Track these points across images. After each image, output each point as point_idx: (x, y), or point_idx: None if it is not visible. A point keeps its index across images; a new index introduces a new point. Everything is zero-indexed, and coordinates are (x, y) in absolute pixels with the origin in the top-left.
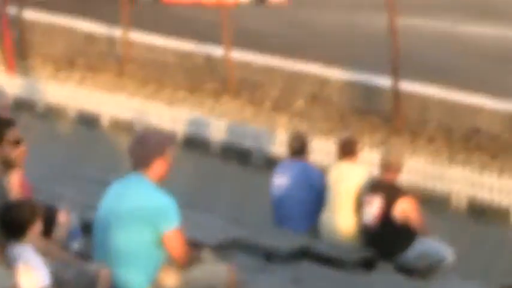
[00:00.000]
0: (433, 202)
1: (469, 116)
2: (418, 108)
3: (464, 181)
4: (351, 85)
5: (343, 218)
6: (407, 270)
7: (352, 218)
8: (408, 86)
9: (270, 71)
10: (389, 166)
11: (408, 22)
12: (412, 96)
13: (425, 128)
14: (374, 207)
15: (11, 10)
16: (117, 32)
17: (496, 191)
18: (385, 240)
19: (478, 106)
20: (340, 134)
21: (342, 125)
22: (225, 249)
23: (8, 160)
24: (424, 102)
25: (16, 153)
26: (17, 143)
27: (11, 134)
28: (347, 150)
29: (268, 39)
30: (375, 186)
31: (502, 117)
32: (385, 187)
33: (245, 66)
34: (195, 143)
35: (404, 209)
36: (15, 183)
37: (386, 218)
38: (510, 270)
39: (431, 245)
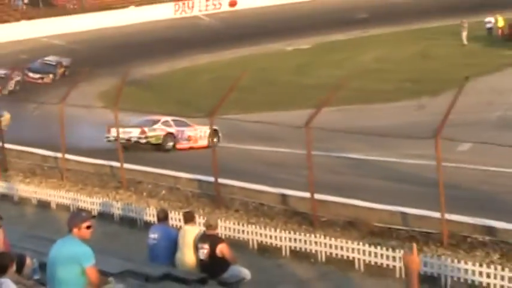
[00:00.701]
0: (236, 245)
1: (255, 194)
2: (228, 193)
3: (256, 234)
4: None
5: (188, 256)
6: (225, 284)
7: (193, 256)
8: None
9: (144, 173)
10: (210, 226)
11: None
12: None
13: (233, 204)
14: (205, 250)
15: None
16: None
17: (272, 238)
18: (212, 268)
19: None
20: (185, 210)
21: (187, 204)
22: (122, 276)
23: None
24: (232, 192)
25: None
26: None
27: None
28: (189, 218)
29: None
30: (204, 238)
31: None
32: (209, 237)
33: (131, 172)
34: (104, 216)
35: (221, 250)
36: (0, 243)
37: (212, 256)
38: None
39: (238, 269)
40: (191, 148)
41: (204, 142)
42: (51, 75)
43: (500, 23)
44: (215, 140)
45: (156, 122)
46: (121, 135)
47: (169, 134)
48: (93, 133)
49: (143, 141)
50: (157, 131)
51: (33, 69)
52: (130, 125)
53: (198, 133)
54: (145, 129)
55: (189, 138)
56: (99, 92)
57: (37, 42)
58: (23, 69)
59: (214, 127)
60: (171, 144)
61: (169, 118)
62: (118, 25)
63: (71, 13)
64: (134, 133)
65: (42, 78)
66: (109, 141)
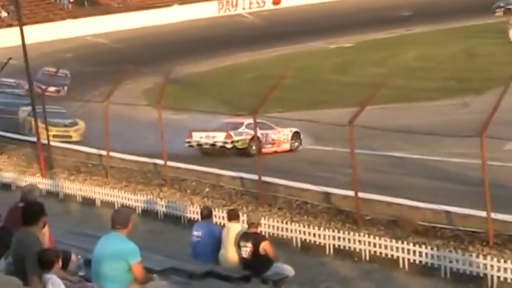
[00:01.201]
0: (280, 243)
1: (299, 192)
2: (271, 191)
3: (299, 232)
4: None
5: (232, 253)
6: (268, 282)
7: (237, 253)
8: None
9: (187, 171)
10: (252, 224)
11: None
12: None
13: (277, 202)
14: (248, 249)
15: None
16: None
17: (316, 236)
18: (255, 265)
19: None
20: (229, 208)
21: (230, 202)
22: (165, 273)
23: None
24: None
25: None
26: (44, 225)
27: (43, 218)
28: (233, 216)
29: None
30: (246, 236)
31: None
32: (252, 235)
33: (175, 169)
34: (148, 213)
35: (264, 248)
36: (46, 239)
37: (255, 254)
38: None
39: (281, 267)
40: (275, 152)
41: (286, 146)
42: (65, 88)
43: None
44: (296, 143)
45: (239, 125)
46: (204, 140)
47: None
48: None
49: (229, 146)
50: (243, 135)
51: (42, 81)
52: (212, 128)
53: (281, 136)
54: (231, 133)
55: (273, 142)
56: (143, 90)
57: (82, 41)
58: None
59: (296, 129)
60: (254, 148)
61: (251, 120)
62: (161, 23)
63: (115, 12)
64: (219, 137)
65: (58, 91)
66: (190, 146)
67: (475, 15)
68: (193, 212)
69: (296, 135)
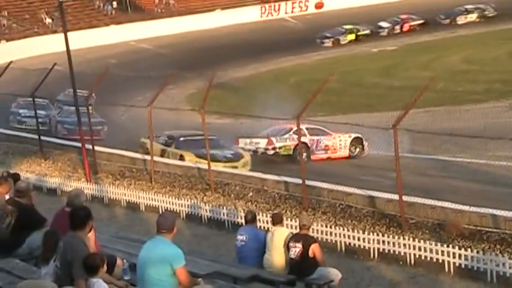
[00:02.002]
0: (324, 247)
1: (343, 196)
2: (315, 195)
3: (344, 236)
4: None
5: (276, 257)
6: (312, 286)
7: (281, 257)
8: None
9: (231, 175)
10: (304, 225)
11: None
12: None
13: (321, 206)
14: (297, 249)
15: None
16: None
17: (360, 240)
18: (302, 267)
19: (349, 191)
20: (273, 211)
21: (274, 206)
22: (210, 277)
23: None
24: (319, 193)
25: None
26: (90, 229)
27: (90, 223)
28: (278, 220)
29: None
30: (297, 237)
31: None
32: (302, 237)
33: (218, 174)
34: (192, 218)
35: (314, 250)
36: (92, 243)
37: (304, 255)
38: None
39: (326, 271)
40: (329, 159)
41: (344, 152)
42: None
43: None
44: (358, 149)
45: (287, 131)
46: (248, 146)
47: (302, 144)
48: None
49: (271, 152)
50: (287, 141)
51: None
52: (259, 135)
53: (337, 142)
54: (273, 139)
55: (326, 148)
56: (186, 95)
57: (125, 47)
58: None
59: (358, 135)
60: (304, 155)
61: (303, 126)
62: (204, 28)
63: (158, 17)
64: (261, 144)
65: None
66: None
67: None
68: (237, 216)
69: (357, 141)
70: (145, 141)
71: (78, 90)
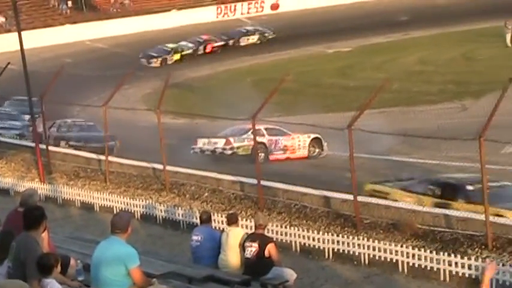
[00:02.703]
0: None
1: (298, 196)
2: (270, 195)
3: (299, 236)
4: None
5: (231, 257)
6: (267, 286)
7: (237, 257)
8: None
9: (187, 175)
10: (260, 225)
11: None
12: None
13: (276, 206)
14: (253, 249)
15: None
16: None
17: (315, 240)
18: (257, 267)
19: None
20: (228, 212)
21: (230, 206)
22: (164, 277)
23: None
24: (275, 194)
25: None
26: (44, 229)
27: (44, 223)
28: (233, 220)
29: None
30: (253, 236)
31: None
32: (258, 236)
33: (174, 174)
34: (147, 218)
35: (270, 250)
36: (45, 244)
37: (260, 255)
38: None
39: (281, 270)
40: (288, 159)
41: (303, 152)
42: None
43: None
44: (317, 150)
45: (246, 131)
46: (206, 146)
47: (260, 144)
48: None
49: (228, 152)
50: (246, 141)
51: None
52: (217, 135)
53: (296, 142)
54: (231, 139)
55: (284, 148)
56: (142, 95)
57: (81, 46)
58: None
59: (317, 135)
60: (262, 155)
61: (262, 126)
62: (160, 28)
63: (114, 17)
64: (219, 144)
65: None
66: (195, 152)
67: (472, 20)
68: (192, 216)
69: (316, 142)
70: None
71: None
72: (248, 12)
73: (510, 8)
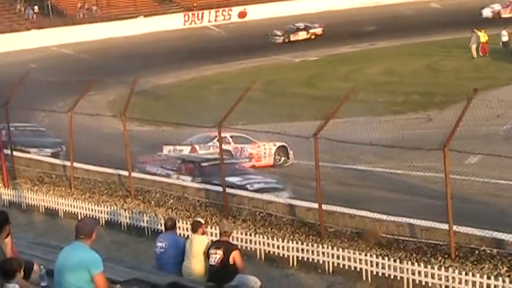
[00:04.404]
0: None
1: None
2: (235, 202)
3: (263, 244)
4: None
5: (196, 265)
6: None
7: (201, 265)
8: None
9: (152, 182)
10: (225, 232)
11: None
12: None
13: (241, 214)
14: (218, 256)
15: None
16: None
17: (280, 248)
18: (221, 274)
19: (269, 199)
20: (193, 219)
21: (195, 213)
22: (128, 284)
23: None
24: (240, 201)
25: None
26: (7, 234)
27: (7, 228)
28: (197, 227)
29: None
30: (217, 243)
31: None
32: (223, 244)
33: (139, 181)
34: (112, 224)
35: (234, 257)
36: (8, 249)
37: (224, 262)
38: None
39: (245, 278)
40: (253, 167)
41: (269, 160)
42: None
43: (483, 38)
44: (283, 158)
45: (211, 138)
46: (172, 154)
47: (226, 151)
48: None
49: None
50: (211, 149)
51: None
52: (183, 143)
53: (261, 150)
54: (196, 147)
55: (250, 156)
56: (108, 101)
57: (47, 52)
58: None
59: (283, 143)
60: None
61: (228, 134)
62: (127, 35)
63: (80, 23)
64: (185, 151)
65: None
66: None
67: (437, 31)
68: (157, 223)
69: (282, 150)
70: None
71: None
72: (216, 20)
73: (474, 20)
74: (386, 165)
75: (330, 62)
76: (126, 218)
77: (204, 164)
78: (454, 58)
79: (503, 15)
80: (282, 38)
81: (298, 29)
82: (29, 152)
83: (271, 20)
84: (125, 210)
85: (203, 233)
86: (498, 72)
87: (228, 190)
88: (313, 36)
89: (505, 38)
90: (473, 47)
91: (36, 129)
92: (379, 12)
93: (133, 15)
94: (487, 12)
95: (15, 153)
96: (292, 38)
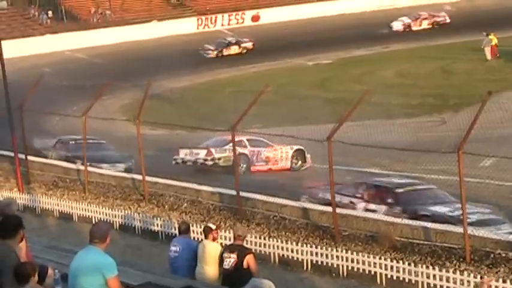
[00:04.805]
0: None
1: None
2: (249, 206)
3: (277, 247)
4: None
5: (208, 270)
6: None
7: (214, 270)
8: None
9: (166, 186)
10: (239, 236)
11: None
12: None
13: (255, 217)
14: (231, 260)
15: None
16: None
17: (294, 252)
18: (235, 278)
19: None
20: (206, 224)
21: (209, 217)
22: (142, 287)
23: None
24: (254, 205)
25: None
26: (22, 239)
27: (21, 232)
28: (209, 232)
29: None
30: (231, 247)
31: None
32: (237, 247)
33: (153, 185)
34: (126, 228)
35: (248, 261)
36: (23, 253)
37: (238, 266)
38: None
39: (260, 281)
40: (270, 170)
41: (286, 164)
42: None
43: (493, 41)
44: (300, 161)
45: (227, 142)
46: (188, 157)
47: (242, 155)
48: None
49: (210, 163)
50: (227, 152)
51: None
52: (199, 146)
53: (278, 154)
54: (212, 150)
55: (266, 160)
56: (121, 105)
57: (60, 56)
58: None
59: (300, 147)
60: (243, 166)
61: (244, 137)
62: (141, 39)
63: (94, 27)
64: (201, 155)
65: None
66: (177, 163)
67: (451, 34)
68: (171, 227)
69: (299, 153)
70: None
71: None
72: (229, 24)
73: (488, 22)
74: (400, 168)
75: (343, 64)
76: (140, 222)
77: (399, 191)
78: (468, 60)
79: (414, 28)
80: (215, 52)
81: (230, 43)
82: (100, 168)
83: (283, 23)
84: (138, 214)
85: (214, 239)
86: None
87: (242, 194)
88: (244, 51)
89: None
90: (487, 49)
91: (97, 142)
92: (393, 15)
93: (146, 19)
94: (397, 25)
95: (29, 157)
96: (225, 52)
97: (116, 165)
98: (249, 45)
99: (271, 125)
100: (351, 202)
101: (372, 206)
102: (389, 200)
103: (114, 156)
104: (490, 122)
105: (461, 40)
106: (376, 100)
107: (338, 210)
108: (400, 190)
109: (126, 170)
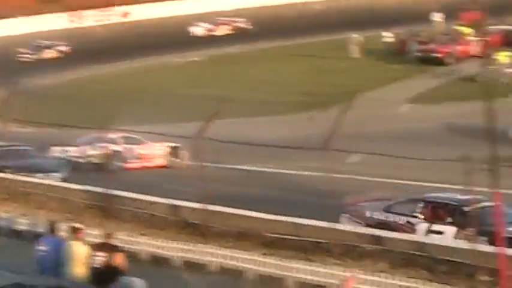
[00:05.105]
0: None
1: (147, 205)
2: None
3: (147, 245)
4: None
5: (76, 270)
6: None
7: (82, 269)
8: None
9: (34, 185)
10: (108, 234)
11: None
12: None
13: (125, 215)
14: (101, 258)
15: None
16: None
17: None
18: (104, 276)
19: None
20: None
21: (78, 215)
22: None
23: None
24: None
25: None
26: None
27: None
28: (75, 232)
29: None
30: (101, 246)
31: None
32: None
33: (21, 183)
34: None
35: (118, 259)
36: None
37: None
38: None
39: (130, 280)
40: (145, 168)
41: (161, 161)
42: None
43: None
44: (177, 159)
45: (100, 139)
46: (59, 155)
47: (115, 152)
48: None
49: (82, 161)
50: (99, 150)
51: None
52: (72, 144)
53: (153, 151)
54: (85, 148)
55: (140, 157)
56: None
57: None
58: None
59: (175, 144)
60: (117, 164)
61: (117, 135)
62: (8, 35)
63: None
64: (73, 152)
65: None
66: None
67: (319, 32)
68: (38, 226)
69: (175, 151)
70: None
71: None
72: (100, 20)
73: (355, 22)
74: (270, 165)
75: (213, 62)
76: (5, 222)
77: (467, 209)
78: (337, 59)
79: (217, 33)
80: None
81: (46, 47)
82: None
83: (153, 20)
84: (4, 213)
85: (80, 239)
86: (378, 72)
87: (112, 191)
88: (62, 55)
89: (388, 39)
90: (355, 48)
91: (22, 149)
92: (258, 13)
93: (11, 14)
94: (198, 30)
95: None
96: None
97: (52, 175)
98: (67, 49)
99: (143, 123)
100: (409, 222)
101: (438, 228)
102: (457, 220)
103: (48, 164)
104: (357, 120)
105: (329, 38)
106: (245, 98)
107: (209, 207)
108: (469, 208)
109: (63, 180)
